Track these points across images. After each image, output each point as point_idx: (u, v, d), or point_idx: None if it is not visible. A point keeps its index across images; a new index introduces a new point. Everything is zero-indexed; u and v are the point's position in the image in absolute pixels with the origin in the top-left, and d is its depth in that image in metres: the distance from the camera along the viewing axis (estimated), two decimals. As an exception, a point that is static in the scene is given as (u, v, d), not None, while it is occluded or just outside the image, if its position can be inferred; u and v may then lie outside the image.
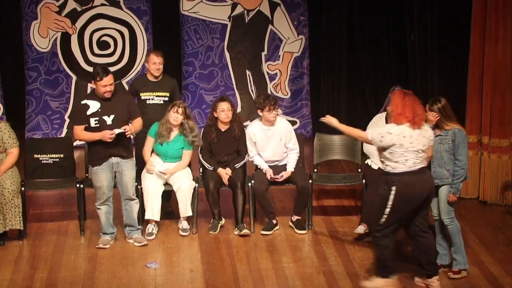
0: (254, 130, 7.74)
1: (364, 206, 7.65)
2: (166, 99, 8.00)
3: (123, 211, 7.50)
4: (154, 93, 8.00)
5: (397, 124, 6.21)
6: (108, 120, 7.16)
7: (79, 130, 7.23)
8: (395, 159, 6.20)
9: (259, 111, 7.70)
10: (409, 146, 6.17)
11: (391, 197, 6.19)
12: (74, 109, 7.20)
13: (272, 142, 7.73)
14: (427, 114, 6.58)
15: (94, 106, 7.15)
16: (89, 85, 10.68)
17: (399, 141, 6.16)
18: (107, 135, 7.07)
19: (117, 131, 7.09)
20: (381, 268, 6.41)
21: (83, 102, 7.23)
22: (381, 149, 6.28)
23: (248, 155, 7.78)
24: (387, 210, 6.21)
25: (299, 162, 7.85)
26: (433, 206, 6.73)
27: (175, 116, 7.60)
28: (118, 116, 7.18)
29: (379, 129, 6.38)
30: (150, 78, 8.07)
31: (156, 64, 7.99)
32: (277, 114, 7.69)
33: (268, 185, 7.68)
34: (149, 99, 8.03)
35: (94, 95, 7.23)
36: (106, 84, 7.08)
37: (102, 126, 7.14)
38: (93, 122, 7.16)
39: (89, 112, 7.15)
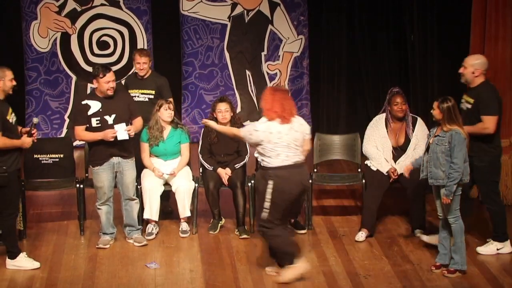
0: None
1: (364, 210, 7.64)
2: (152, 97, 8.07)
3: (123, 211, 7.50)
4: (139, 90, 8.04)
5: (268, 120, 6.36)
6: (110, 119, 7.16)
7: (80, 130, 7.23)
8: (267, 154, 6.35)
9: None
10: (278, 141, 6.31)
11: (269, 191, 6.34)
12: (74, 109, 7.20)
13: None
14: (434, 112, 6.59)
15: (95, 106, 7.16)
16: (89, 85, 10.70)
17: (266, 137, 6.31)
18: (109, 134, 7.08)
19: (119, 135, 7.08)
20: (284, 257, 6.51)
21: (83, 102, 7.23)
22: (255, 145, 6.46)
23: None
24: (267, 204, 6.35)
25: None
26: (437, 206, 6.73)
27: (168, 113, 7.64)
28: (119, 115, 7.18)
29: (249, 126, 6.60)
30: (137, 75, 8.15)
31: (140, 64, 8.07)
32: None
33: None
34: (135, 96, 8.04)
35: (94, 95, 7.24)
36: (109, 80, 7.11)
37: (103, 125, 7.15)
38: (94, 122, 7.16)
39: (90, 112, 7.15)
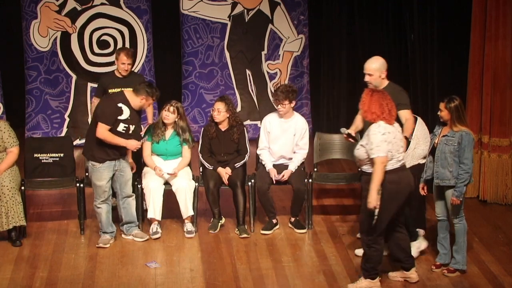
0: (270, 119, 7.76)
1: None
2: None
3: (121, 209, 7.50)
4: (123, 89, 7.95)
5: (370, 121, 6.19)
6: (131, 129, 7.20)
7: (104, 129, 7.10)
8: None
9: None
10: (393, 141, 6.13)
11: (380, 197, 6.09)
12: (108, 108, 7.08)
13: (286, 135, 7.70)
14: (442, 113, 6.57)
15: (126, 113, 7.15)
16: (89, 84, 10.72)
17: (388, 138, 6.10)
18: (135, 145, 7.18)
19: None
20: (369, 270, 6.39)
21: (119, 105, 7.17)
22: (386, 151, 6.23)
23: (259, 148, 7.79)
24: (377, 210, 6.09)
25: (302, 165, 7.80)
26: (437, 206, 6.73)
27: (165, 114, 7.65)
28: (137, 128, 7.30)
29: (367, 145, 6.14)
30: (119, 75, 8.11)
31: (125, 65, 8.04)
32: (285, 107, 7.61)
33: (270, 184, 7.67)
34: None
35: (127, 102, 7.20)
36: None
37: (126, 133, 7.17)
38: (121, 127, 7.15)
39: (121, 117, 7.13)
